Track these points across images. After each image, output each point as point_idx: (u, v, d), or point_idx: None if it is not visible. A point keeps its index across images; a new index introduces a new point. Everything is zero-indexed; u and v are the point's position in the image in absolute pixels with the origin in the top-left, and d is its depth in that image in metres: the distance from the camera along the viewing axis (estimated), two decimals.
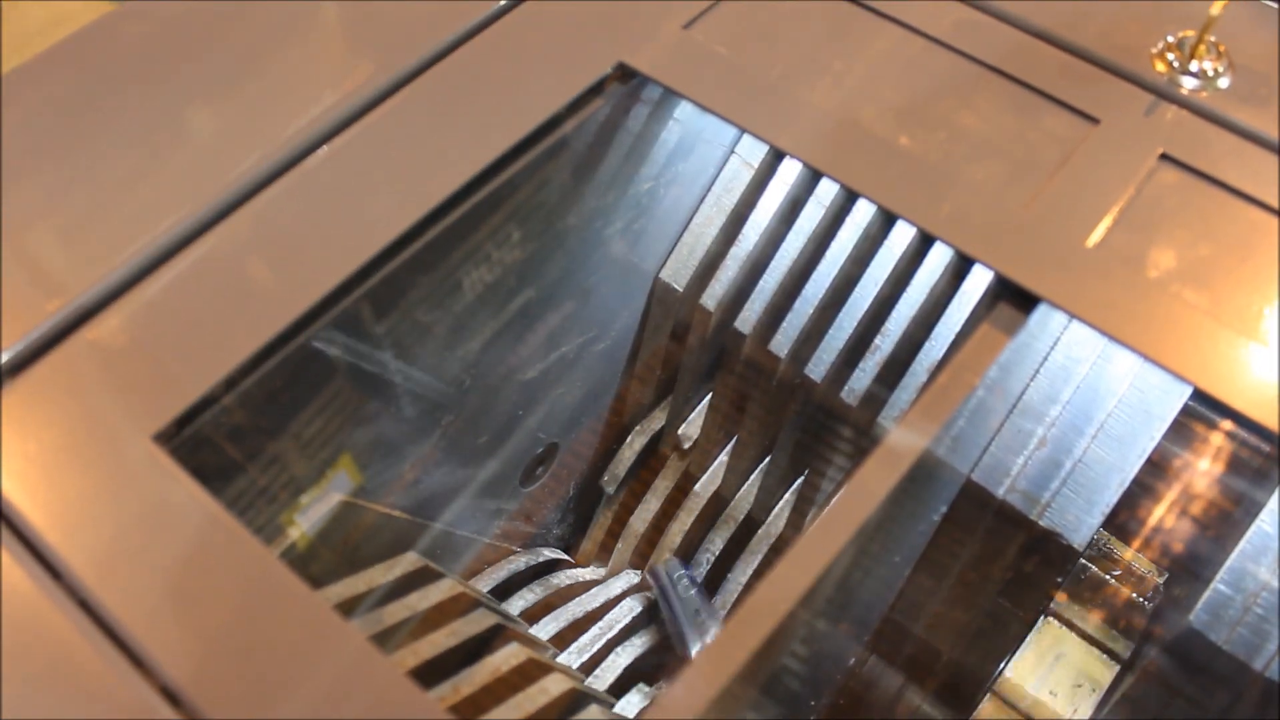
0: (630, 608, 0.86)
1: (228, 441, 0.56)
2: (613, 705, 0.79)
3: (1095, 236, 0.58)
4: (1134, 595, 0.79)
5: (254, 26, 0.68)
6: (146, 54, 0.66)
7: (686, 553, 0.91)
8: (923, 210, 0.60)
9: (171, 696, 0.45)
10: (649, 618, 0.87)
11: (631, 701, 0.82)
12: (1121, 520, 0.80)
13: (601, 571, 0.92)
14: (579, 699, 0.64)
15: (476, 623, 0.64)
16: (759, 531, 0.90)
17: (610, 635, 0.84)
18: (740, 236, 0.82)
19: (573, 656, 0.82)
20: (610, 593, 0.88)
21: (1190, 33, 0.67)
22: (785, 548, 0.88)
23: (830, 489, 0.85)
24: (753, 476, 0.91)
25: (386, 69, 0.65)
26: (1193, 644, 0.66)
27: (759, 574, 0.89)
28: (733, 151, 0.81)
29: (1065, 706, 0.80)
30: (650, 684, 0.84)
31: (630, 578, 0.91)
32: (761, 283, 0.81)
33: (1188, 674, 0.70)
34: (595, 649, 0.83)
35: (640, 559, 0.92)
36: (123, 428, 0.51)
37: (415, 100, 0.64)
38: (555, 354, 0.82)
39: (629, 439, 0.94)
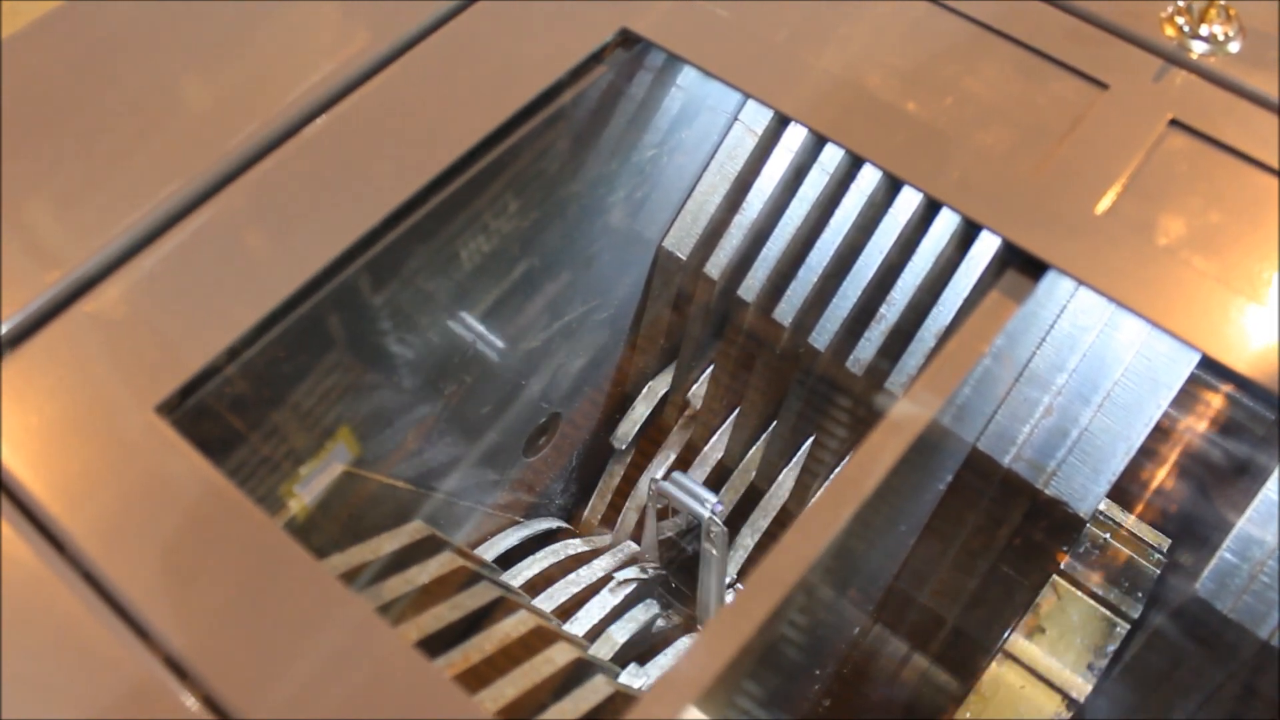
0: (630, 582, 0.86)
1: (230, 412, 0.56)
2: (617, 675, 0.79)
3: (1104, 203, 0.58)
4: (1139, 564, 0.79)
5: None
6: (143, 22, 0.65)
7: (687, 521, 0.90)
8: (930, 176, 0.59)
9: (176, 667, 0.45)
10: (647, 591, 0.87)
11: (630, 672, 0.82)
12: (1128, 488, 0.80)
13: (605, 539, 0.92)
14: (585, 668, 0.64)
15: (479, 595, 0.64)
16: (762, 500, 0.90)
17: (610, 609, 0.83)
18: (744, 204, 0.81)
19: (572, 629, 0.82)
20: (610, 565, 0.87)
21: None
22: (789, 517, 0.89)
23: (834, 458, 0.84)
24: (756, 445, 0.91)
25: (385, 37, 0.64)
26: (1198, 612, 0.66)
27: (762, 543, 0.89)
28: (736, 118, 0.81)
29: (1069, 674, 0.80)
30: (647, 660, 0.84)
31: (630, 548, 0.90)
32: (765, 250, 0.80)
33: (1193, 642, 0.69)
34: (594, 622, 0.83)
35: (641, 528, 0.92)
36: (124, 399, 0.51)
37: (414, 68, 0.64)
38: (558, 323, 0.81)
39: (636, 401, 0.94)
